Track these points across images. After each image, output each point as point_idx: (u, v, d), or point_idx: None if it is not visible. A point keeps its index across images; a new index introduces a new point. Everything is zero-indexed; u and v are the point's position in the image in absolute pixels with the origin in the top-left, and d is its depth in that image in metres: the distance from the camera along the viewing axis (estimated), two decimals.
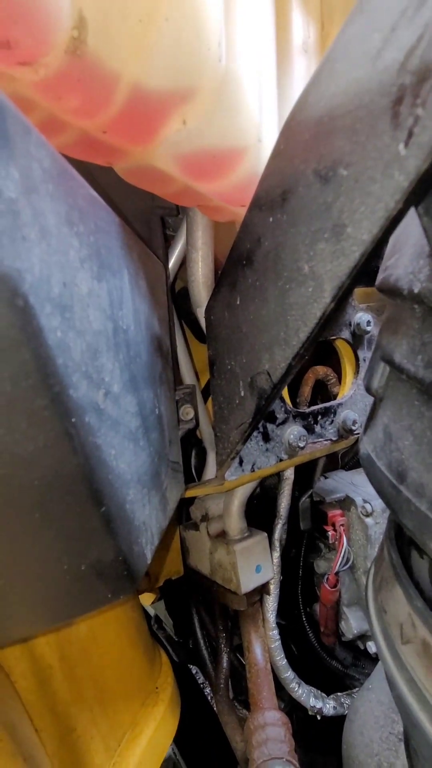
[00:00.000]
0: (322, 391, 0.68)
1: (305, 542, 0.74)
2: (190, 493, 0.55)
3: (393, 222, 0.19)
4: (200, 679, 0.90)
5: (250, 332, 0.33)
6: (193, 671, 0.90)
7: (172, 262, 0.55)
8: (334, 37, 0.21)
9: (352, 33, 0.20)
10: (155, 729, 0.60)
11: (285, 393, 0.55)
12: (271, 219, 0.28)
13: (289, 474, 0.68)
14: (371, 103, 0.18)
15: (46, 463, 0.20)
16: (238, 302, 0.34)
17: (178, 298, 0.60)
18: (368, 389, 0.29)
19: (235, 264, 0.34)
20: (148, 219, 0.48)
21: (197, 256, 0.52)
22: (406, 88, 0.16)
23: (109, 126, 0.29)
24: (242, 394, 0.36)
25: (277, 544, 0.68)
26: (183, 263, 0.56)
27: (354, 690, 0.69)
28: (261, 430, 0.52)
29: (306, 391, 0.67)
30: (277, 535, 0.68)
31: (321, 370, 0.67)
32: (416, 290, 0.22)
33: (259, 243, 0.30)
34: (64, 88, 0.25)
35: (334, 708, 0.67)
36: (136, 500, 0.30)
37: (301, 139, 0.24)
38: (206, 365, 0.45)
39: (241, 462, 0.50)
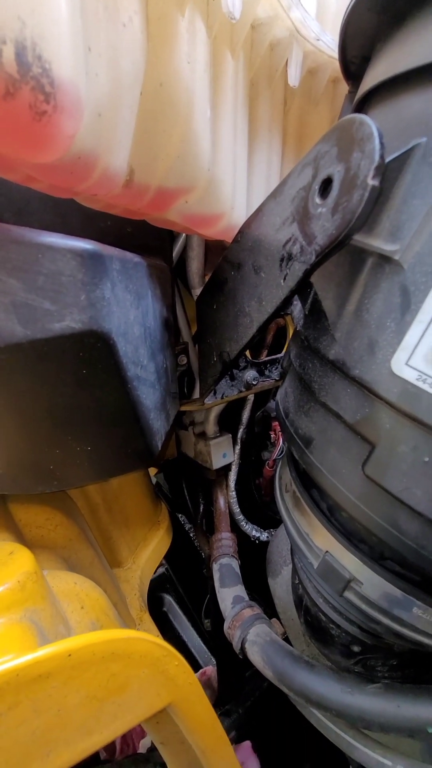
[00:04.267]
0: (282, 337, 0.82)
1: (257, 440, 0.95)
2: (183, 408, 0.72)
3: (283, 304, 0.34)
4: (186, 525, 1.12)
5: (219, 327, 0.47)
6: (181, 519, 1.13)
7: (175, 252, 0.67)
8: (263, 201, 0.33)
9: (270, 207, 0.32)
10: (157, 542, 0.83)
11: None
12: (233, 272, 0.41)
13: (250, 397, 0.85)
14: (274, 251, 0.32)
15: (117, 406, 0.37)
16: (214, 307, 0.48)
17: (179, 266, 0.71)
18: (281, 367, 0.46)
19: (214, 284, 0.47)
20: (159, 231, 0.59)
21: (193, 254, 0.64)
22: (284, 256, 0.30)
23: (143, 207, 0.41)
24: (214, 359, 0.51)
25: (239, 440, 0.86)
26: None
27: (279, 527, 0.94)
28: (229, 373, 0.68)
29: (269, 337, 0.82)
30: (239, 435, 0.86)
31: (281, 321, 0.81)
32: (298, 328, 0.37)
33: (227, 281, 0.43)
34: (118, 200, 0.37)
35: (267, 537, 0.91)
36: (154, 418, 0.47)
37: (247, 242, 0.37)
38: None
39: (214, 392, 0.68)
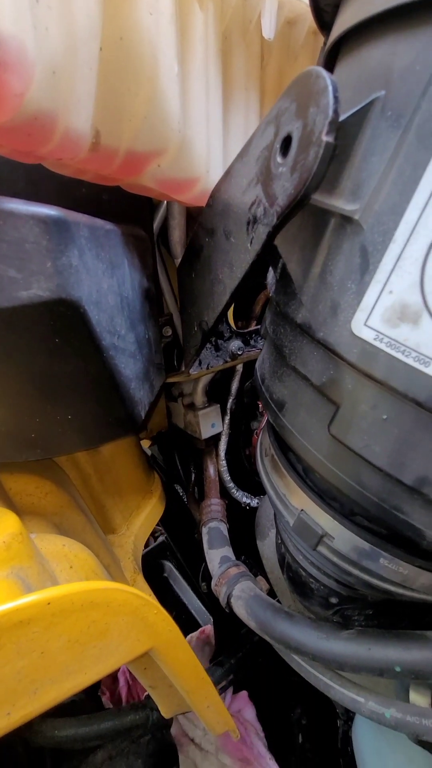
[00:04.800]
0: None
1: (247, 410, 0.97)
2: (169, 380, 0.73)
3: (251, 270, 0.34)
4: (184, 497, 1.15)
5: (197, 296, 0.47)
6: (180, 493, 1.16)
7: (156, 223, 0.66)
8: (231, 162, 0.33)
9: (237, 168, 0.32)
10: (150, 510, 0.86)
11: (231, 318, 0.71)
12: (207, 239, 0.41)
13: (239, 368, 0.86)
14: (241, 214, 0.31)
15: (95, 375, 0.37)
16: (193, 276, 0.48)
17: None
18: (262, 334, 0.46)
19: (191, 252, 0.47)
20: (137, 199, 0.58)
21: (174, 223, 0.63)
22: (250, 219, 0.30)
23: (113, 172, 0.40)
24: (195, 329, 0.52)
25: (228, 411, 0.88)
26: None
27: None
28: (213, 343, 0.68)
29: (257, 308, 0.82)
30: (228, 405, 0.88)
31: (269, 292, 0.81)
32: (271, 294, 0.38)
33: (202, 248, 0.43)
34: (87, 164, 0.37)
35: (256, 503, 0.95)
36: (136, 388, 0.48)
37: (218, 206, 0.36)
38: None
39: (200, 363, 0.68)
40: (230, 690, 1.03)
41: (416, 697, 0.53)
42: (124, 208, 0.54)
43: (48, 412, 0.38)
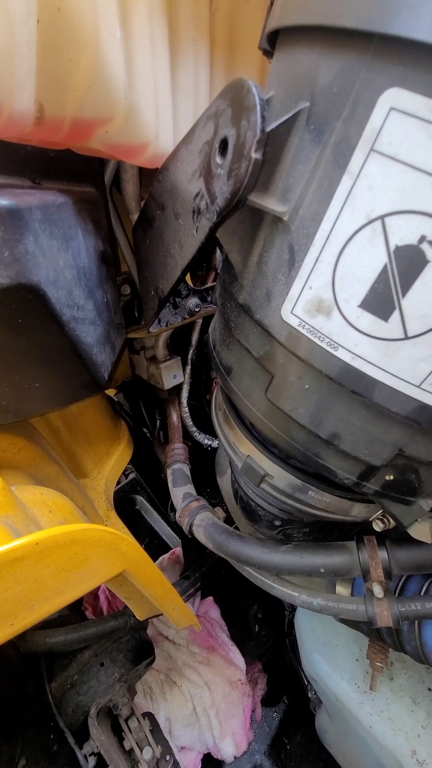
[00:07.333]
0: None
1: (207, 360, 1.02)
2: (130, 336, 0.76)
3: (199, 252, 0.37)
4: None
5: (152, 263, 0.49)
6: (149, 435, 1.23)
7: (107, 175, 0.64)
8: (177, 144, 0.34)
9: (183, 153, 0.33)
10: (119, 455, 0.94)
11: (188, 278, 0.73)
12: (158, 212, 0.43)
13: (199, 320, 0.89)
14: (187, 201, 0.34)
15: (57, 347, 0.41)
16: (147, 242, 0.50)
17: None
18: (213, 302, 0.50)
19: (144, 220, 0.48)
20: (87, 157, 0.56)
21: (127, 176, 0.62)
22: (195, 209, 0.33)
23: (61, 138, 0.40)
24: (152, 293, 0.55)
25: (189, 362, 0.93)
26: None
27: None
28: (171, 301, 0.71)
29: (215, 259, 0.84)
30: (189, 356, 0.92)
31: None
32: (218, 270, 0.41)
33: (154, 219, 0.45)
34: (34, 136, 0.37)
35: (217, 444, 1.04)
36: (98, 352, 0.51)
37: (167, 184, 0.38)
38: None
39: (159, 321, 0.71)
40: (198, 596, 1.22)
41: (340, 589, 0.67)
42: (72, 164, 0.52)
43: (16, 382, 0.41)
